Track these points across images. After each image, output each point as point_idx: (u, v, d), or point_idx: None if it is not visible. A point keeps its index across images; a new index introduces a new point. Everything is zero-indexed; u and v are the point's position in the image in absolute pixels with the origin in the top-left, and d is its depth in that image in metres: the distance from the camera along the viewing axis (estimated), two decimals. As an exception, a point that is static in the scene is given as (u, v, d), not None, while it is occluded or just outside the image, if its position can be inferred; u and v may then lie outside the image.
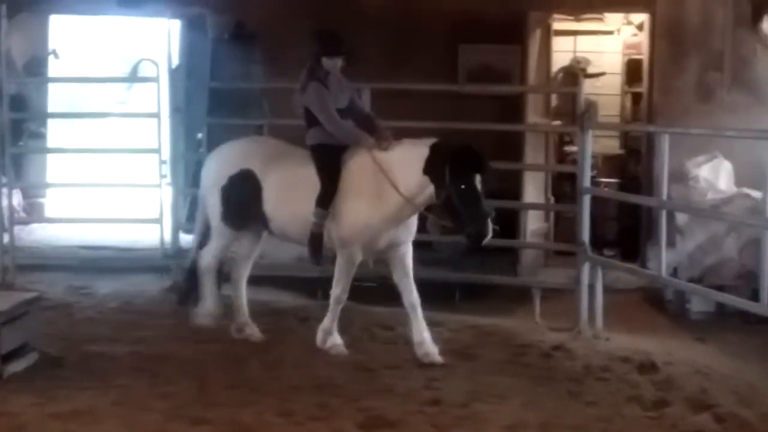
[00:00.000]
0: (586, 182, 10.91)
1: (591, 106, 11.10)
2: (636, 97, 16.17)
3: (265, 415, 7.71)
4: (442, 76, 14.73)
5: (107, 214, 15.07)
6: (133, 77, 16.68)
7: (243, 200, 9.79)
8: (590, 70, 16.27)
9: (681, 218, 12.03)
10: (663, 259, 10.09)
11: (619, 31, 16.76)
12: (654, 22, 14.17)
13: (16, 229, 12.69)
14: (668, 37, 13.90)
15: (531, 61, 14.70)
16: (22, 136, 15.84)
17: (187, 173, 14.20)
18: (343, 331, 10.41)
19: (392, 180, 9.08)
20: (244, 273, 10.41)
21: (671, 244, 11.39)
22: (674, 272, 11.68)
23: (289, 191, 9.59)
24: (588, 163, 10.91)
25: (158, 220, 12.98)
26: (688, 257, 12.12)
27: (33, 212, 16.22)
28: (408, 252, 9.55)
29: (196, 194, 14.99)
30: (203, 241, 10.36)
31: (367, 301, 11.64)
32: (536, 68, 14.80)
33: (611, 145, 16.52)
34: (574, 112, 11.34)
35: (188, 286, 10.50)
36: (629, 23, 16.40)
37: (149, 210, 13.61)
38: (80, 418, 7.53)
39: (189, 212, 15.10)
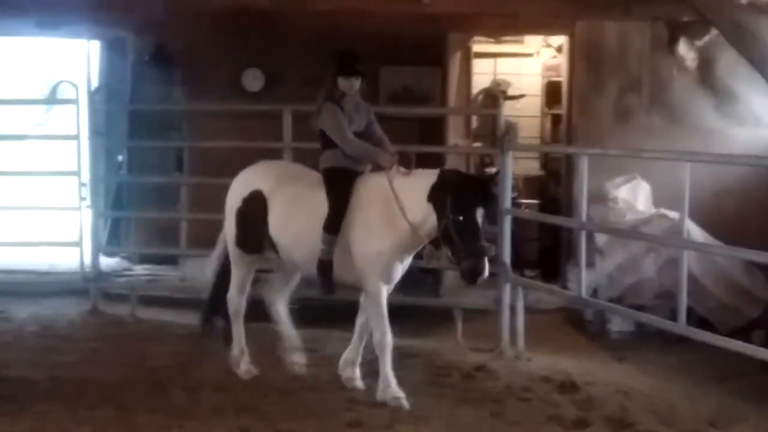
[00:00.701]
0: (507, 203, 10.94)
1: (511, 128, 11.19)
2: (555, 119, 16.32)
3: (186, 439, 7.67)
4: (364, 98, 14.71)
5: (26, 237, 14.87)
6: (52, 99, 16.63)
7: (252, 222, 9.41)
8: (510, 91, 16.43)
9: (600, 239, 12.14)
10: (583, 280, 10.17)
11: (538, 53, 16.90)
12: (573, 45, 14.32)
13: (-68, 252, 12.50)
14: (587, 59, 14.06)
15: (451, 83, 14.83)
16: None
17: (108, 196, 14.12)
18: (262, 353, 10.38)
19: (401, 206, 8.57)
20: (281, 302, 9.91)
21: (591, 264, 11.49)
22: (594, 292, 11.78)
23: (293, 214, 9.18)
24: (508, 184, 10.96)
25: (78, 243, 12.91)
26: (607, 277, 12.23)
27: None
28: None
29: (116, 217, 15.07)
30: (222, 274, 10.03)
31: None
32: (457, 90, 14.92)
33: (531, 167, 16.63)
34: (495, 134, 11.41)
35: (207, 318, 10.27)
36: (548, 46, 16.55)
37: (69, 233, 13.46)
38: (-4, 445, 7.44)
39: (110, 235, 15.06)
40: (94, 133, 13.05)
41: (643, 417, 8.42)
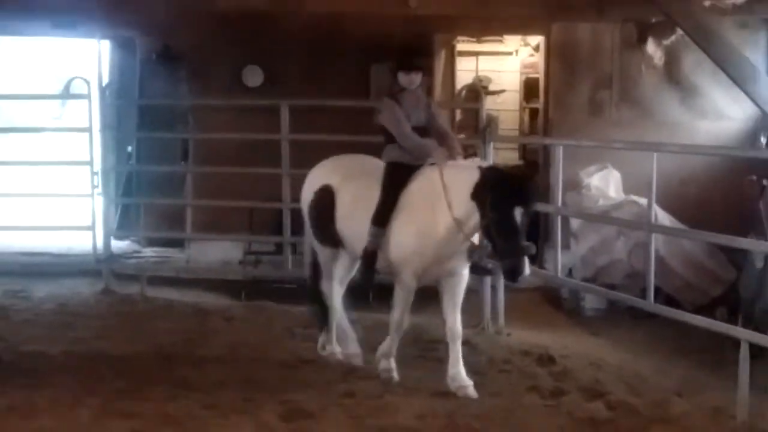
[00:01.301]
0: (489, 190, 10.93)
1: (492, 121, 11.16)
2: (533, 113, 16.31)
3: (192, 409, 7.60)
4: (356, 93, 14.74)
5: (43, 222, 14.86)
6: (66, 94, 16.52)
7: (323, 216, 8.87)
8: (491, 87, 16.38)
9: (575, 223, 12.16)
10: (559, 261, 10.21)
11: (517, 52, 16.84)
12: (549, 45, 14.30)
13: (-44, 237, 12.46)
14: (561, 58, 14.04)
15: (437, 80, 14.81)
16: (-39, 150, 15.76)
17: (118, 184, 14.08)
18: (264, 329, 10.36)
19: (449, 201, 7.87)
20: (338, 295, 9.25)
21: (566, 247, 11.52)
22: (569, 273, 11.81)
23: (356, 208, 8.53)
24: (490, 172, 10.94)
25: (91, 228, 12.87)
26: (581, 259, 12.27)
27: None
28: (461, 282, 8.42)
29: (126, 203, 15.05)
30: (313, 264, 9.44)
31: (287, 301, 11.62)
32: (442, 86, 14.92)
33: (511, 157, 16.56)
34: (477, 126, 11.38)
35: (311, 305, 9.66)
36: (526, 45, 16.51)
37: (82, 218, 13.42)
38: (16, 414, 7.38)
39: (120, 220, 15.03)
40: (105, 126, 13.00)
41: (614, 387, 8.46)
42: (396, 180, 8.28)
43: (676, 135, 13.39)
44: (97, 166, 13.00)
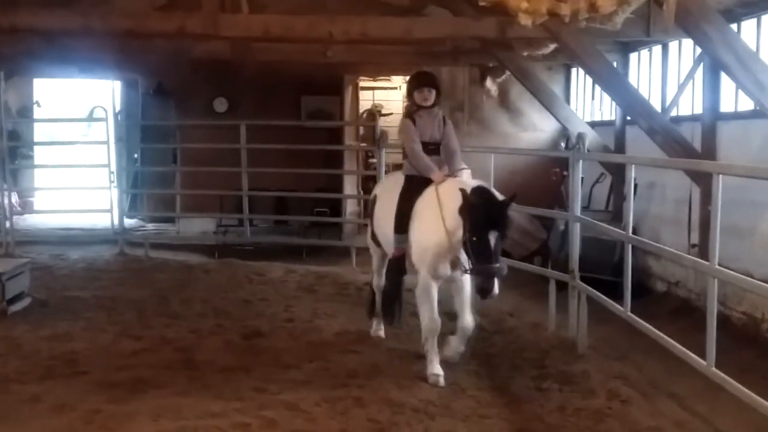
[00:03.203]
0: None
1: (384, 134, 11.15)
2: (412, 128, 16.35)
3: (181, 332, 7.59)
4: (291, 116, 14.71)
5: (75, 206, 14.68)
6: (90, 118, 16.40)
7: (370, 221, 7.39)
8: (383, 111, 16.39)
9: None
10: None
11: (400, 87, 16.86)
12: (422, 82, 14.34)
13: (15, 218, 12.23)
14: (430, 90, 14.09)
15: (346, 106, 14.82)
16: (17, 157, 15.76)
17: (128, 180, 13.91)
18: (231, 277, 10.30)
19: (443, 215, 6.28)
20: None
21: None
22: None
23: (384, 216, 6.96)
24: (383, 168, 10.98)
25: (109, 210, 12.86)
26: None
27: (26, 207, 16.02)
28: (465, 283, 6.56)
29: (134, 193, 14.91)
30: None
31: (247, 258, 11.59)
32: (350, 110, 14.92)
33: (397, 158, 16.49)
34: (374, 138, 11.40)
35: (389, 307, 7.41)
36: (406, 82, 16.51)
37: (103, 203, 13.28)
38: (59, 339, 7.30)
39: (130, 205, 14.93)
40: (118, 139, 12.91)
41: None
42: (411, 191, 6.69)
43: (507, 142, 13.58)
44: (113, 167, 13.04)
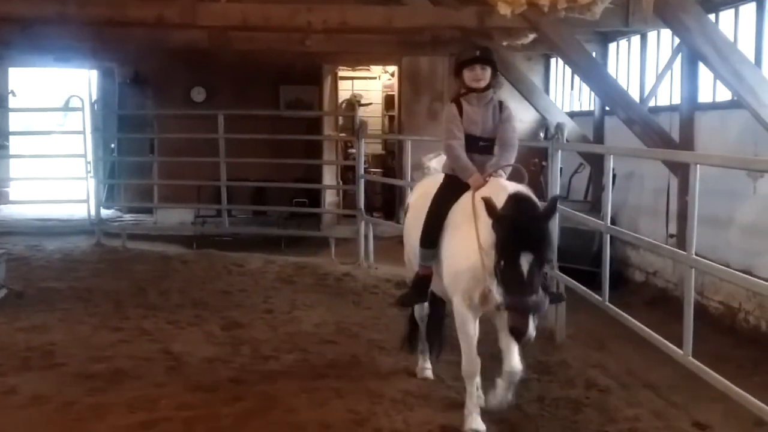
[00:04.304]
0: (361, 171, 10.99)
1: (363, 124, 11.12)
2: (391, 118, 16.38)
3: (159, 324, 7.57)
4: (270, 105, 14.66)
5: (52, 197, 14.58)
6: (66, 107, 16.29)
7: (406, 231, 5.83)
8: (363, 101, 16.37)
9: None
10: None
11: (379, 76, 16.86)
12: (401, 72, 14.38)
13: (-11, 208, 12.14)
14: (409, 80, 14.12)
15: (325, 96, 14.77)
16: (-8, 147, 15.68)
17: (105, 170, 13.80)
18: (209, 268, 10.27)
19: (477, 228, 4.79)
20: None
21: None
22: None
23: (412, 225, 5.58)
24: (362, 159, 10.98)
25: (86, 200, 12.80)
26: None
27: (1, 198, 15.98)
28: None
29: (111, 183, 14.85)
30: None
31: (224, 249, 11.56)
32: (329, 100, 14.88)
33: (376, 148, 16.67)
34: (353, 128, 11.39)
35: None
36: (386, 71, 16.55)
37: (80, 194, 13.18)
38: (36, 330, 7.25)
39: (107, 195, 14.87)
40: (95, 129, 12.84)
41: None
42: (447, 193, 5.25)
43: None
44: (90, 157, 12.96)
